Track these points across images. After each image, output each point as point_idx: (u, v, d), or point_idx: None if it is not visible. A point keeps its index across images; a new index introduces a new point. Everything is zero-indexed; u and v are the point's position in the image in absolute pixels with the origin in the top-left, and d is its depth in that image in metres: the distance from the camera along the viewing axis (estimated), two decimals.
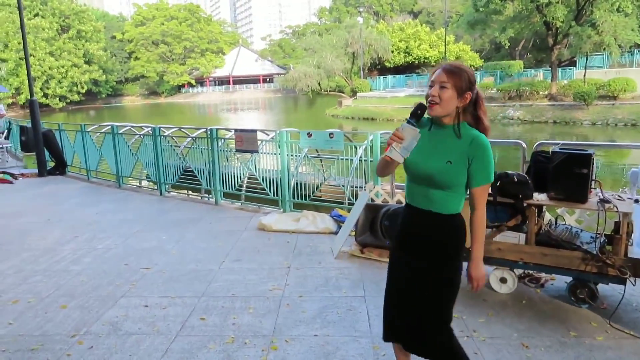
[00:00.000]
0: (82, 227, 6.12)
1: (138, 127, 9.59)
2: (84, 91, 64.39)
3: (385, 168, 2.15)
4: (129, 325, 3.44)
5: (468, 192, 2.11)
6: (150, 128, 8.33)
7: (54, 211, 7.07)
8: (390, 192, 5.27)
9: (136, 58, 74.57)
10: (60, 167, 10.46)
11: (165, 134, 8.07)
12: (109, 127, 9.10)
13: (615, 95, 24.72)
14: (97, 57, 65.87)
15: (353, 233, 4.93)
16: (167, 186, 8.15)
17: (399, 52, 49.69)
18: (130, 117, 43.35)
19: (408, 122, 2.00)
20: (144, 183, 9.10)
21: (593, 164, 3.41)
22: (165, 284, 4.17)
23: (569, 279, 3.58)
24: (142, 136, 8.52)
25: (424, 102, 2.06)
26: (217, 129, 7.28)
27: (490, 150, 2.05)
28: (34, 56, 55.11)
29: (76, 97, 63.39)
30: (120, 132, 8.91)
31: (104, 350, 3.10)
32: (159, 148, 7.97)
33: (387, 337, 2.31)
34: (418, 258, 2.14)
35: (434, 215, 2.09)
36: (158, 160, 8.01)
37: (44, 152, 10.31)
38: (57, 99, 61.24)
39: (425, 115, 2.08)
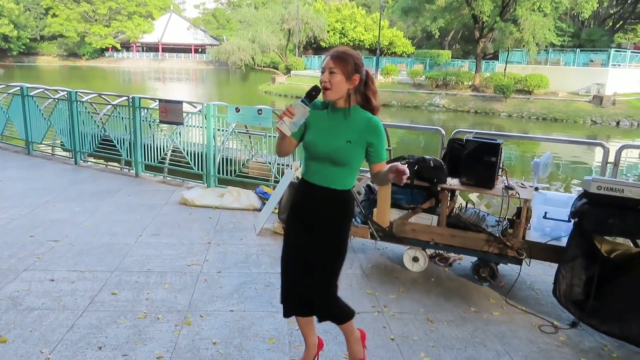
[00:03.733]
0: None
1: (52, 90, 8.90)
2: None
3: (281, 146, 2.29)
4: (31, 299, 3.25)
5: (370, 169, 2.29)
6: (65, 92, 7.76)
7: None
8: None
9: (54, 15, 68.66)
10: None
11: (83, 99, 7.57)
12: (18, 87, 8.37)
13: (530, 90, 26.48)
14: (8, 10, 60.00)
15: (276, 210, 4.94)
16: (83, 155, 7.69)
17: (334, 33, 49.77)
18: (45, 79, 40.17)
19: (302, 100, 2.15)
20: (58, 151, 8.51)
21: (501, 153, 3.65)
22: (75, 258, 3.96)
23: (474, 258, 3.84)
24: (56, 100, 7.94)
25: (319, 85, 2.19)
26: (140, 98, 6.94)
27: (384, 131, 2.24)
28: None
29: None
30: (31, 94, 8.23)
31: (1, 326, 2.91)
32: (75, 114, 7.47)
33: (287, 313, 2.45)
34: (312, 231, 2.29)
35: (330, 191, 2.24)
36: (74, 127, 7.52)
37: None
38: None
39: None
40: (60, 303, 3.22)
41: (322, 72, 2.19)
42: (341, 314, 2.44)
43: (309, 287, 2.35)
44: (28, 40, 67.56)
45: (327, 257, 2.31)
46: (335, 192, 2.25)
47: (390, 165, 2.09)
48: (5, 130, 8.90)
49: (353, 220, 4.03)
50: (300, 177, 2.38)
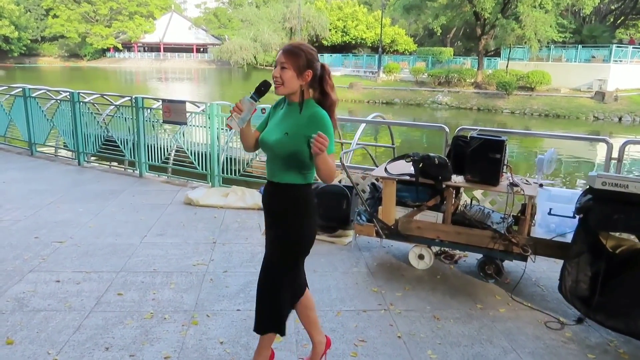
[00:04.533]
0: None
1: (54, 91, 8.91)
2: None
3: (243, 141, 2.34)
4: (37, 301, 3.26)
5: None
6: (68, 93, 7.78)
7: None
8: None
9: (55, 16, 68.66)
10: None
11: (86, 100, 7.58)
12: (21, 89, 8.39)
13: (532, 86, 26.42)
14: (8, 11, 60.03)
15: None
16: (86, 156, 7.70)
17: (336, 31, 49.70)
18: (46, 80, 40.20)
19: (251, 96, 2.16)
20: (61, 152, 8.53)
21: (505, 150, 3.64)
22: (80, 259, 3.97)
23: (480, 256, 3.83)
24: (59, 101, 7.95)
25: (271, 81, 2.18)
26: (144, 98, 6.94)
27: (328, 123, 2.14)
28: None
29: None
30: (33, 95, 8.25)
31: (7, 328, 2.92)
32: (77, 115, 7.48)
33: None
34: (270, 227, 2.35)
35: (281, 186, 2.23)
36: (77, 128, 7.53)
37: None
38: None
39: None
40: (67, 304, 3.23)
41: (274, 67, 2.18)
42: (262, 322, 2.36)
43: (257, 294, 2.37)
44: (29, 42, 67.63)
45: (276, 252, 2.31)
46: (281, 186, 2.22)
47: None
48: (7, 132, 8.92)
49: (358, 218, 4.05)
50: None
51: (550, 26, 26.74)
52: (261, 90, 2.17)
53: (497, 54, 33.63)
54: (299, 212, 2.26)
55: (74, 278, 3.61)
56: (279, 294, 2.33)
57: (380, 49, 35.81)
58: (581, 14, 35.73)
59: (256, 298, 2.38)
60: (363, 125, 6.40)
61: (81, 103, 7.48)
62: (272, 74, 2.17)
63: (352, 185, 4.45)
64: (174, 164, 6.97)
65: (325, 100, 2.21)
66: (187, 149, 6.62)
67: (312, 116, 2.15)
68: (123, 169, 7.50)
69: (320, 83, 2.20)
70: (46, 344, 2.77)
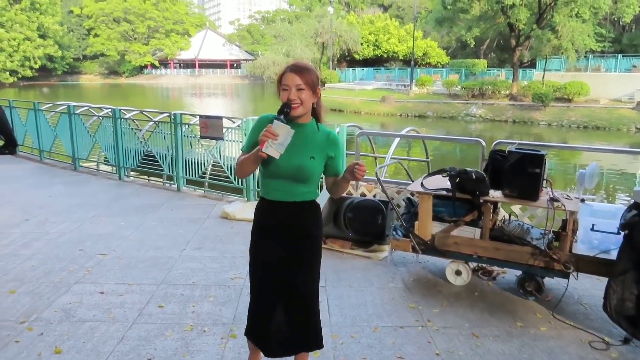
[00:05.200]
0: (33, 209, 5.91)
1: (97, 107, 9.28)
2: (37, 66, 61.57)
3: (248, 167, 2.17)
4: (82, 312, 3.37)
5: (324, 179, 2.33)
6: (109, 109, 8.09)
7: (2, 192, 6.79)
8: (355, 185, 5.35)
9: (96, 35, 71.70)
10: (10, 147, 10.00)
11: (126, 116, 7.86)
12: (65, 106, 8.77)
13: (570, 98, 25.75)
14: (53, 32, 62.97)
15: None
16: (126, 170, 7.96)
17: (368, 45, 49.94)
18: (87, 97, 41.81)
19: (277, 119, 2.05)
20: (102, 166, 8.84)
21: (545, 164, 3.57)
22: (122, 271, 4.10)
23: (519, 272, 3.75)
24: (101, 118, 8.27)
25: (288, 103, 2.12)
26: (182, 114, 7.15)
27: (341, 144, 2.25)
28: None
29: (28, 73, 60.57)
30: (77, 112, 8.61)
31: (55, 337, 3.03)
32: (118, 131, 7.75)
33: (252, 336, 2.36)
34: (285, 246, 2.23)
35: (296, 204, 2.21)
36: (118, 143, 7.80)
37: None
38: (8, 73, 58.34)
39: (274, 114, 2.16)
40: (110, 315, 3.33)
41: (284, 90, 2.11)
42: (321, 337, 2.33)
43: (293, 315, 2.25)
44: (71, 60, 70.65)
45: (308, 271, 2.26)
46: (301, 204, 2.22)
47: (349, 164, 2.09)
48: (53, 147, 9.32)
49: (394, 233, 4.04)
50: (262, 197, 2.28)
51: (588, 35, 26.11)
52: (285, 111, 2.08)
53: (532, 65, 33.03)
54: (318, 224, 2.31)
55: (117, 290, 3.73)
56: (318, 309, 2.34)
57: (412, 62, 35.72)
58: (620, 23, 34.83)
59: (293, 322, 2.26)
60: (397, 139, 6.40)
61: (122, 119, 7.76)
62: (285, 97, 2.10)
63: (387, 199, 4.45)
64: (210, 178, 7.12)
65: (318, 114, 2.25)
66: (224, 164, 6.76)
67: (331, 136, 2.23)
68: (161, 183, 7.71)
69: (318, 100, 2.22)
70: (92, 354, 2.86)
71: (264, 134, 2.01)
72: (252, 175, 6.38)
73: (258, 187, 6.44)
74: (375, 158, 7.17)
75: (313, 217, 2.27)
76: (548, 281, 3.79)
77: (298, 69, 2.11)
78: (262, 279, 2.28)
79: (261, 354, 2.42)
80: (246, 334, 2.39)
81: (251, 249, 2.33)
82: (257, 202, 2.35)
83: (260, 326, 2.30)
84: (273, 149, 2.03)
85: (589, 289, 3.85)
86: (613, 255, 3.31)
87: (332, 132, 2.25)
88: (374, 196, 5.23)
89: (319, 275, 2.33)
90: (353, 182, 5.29)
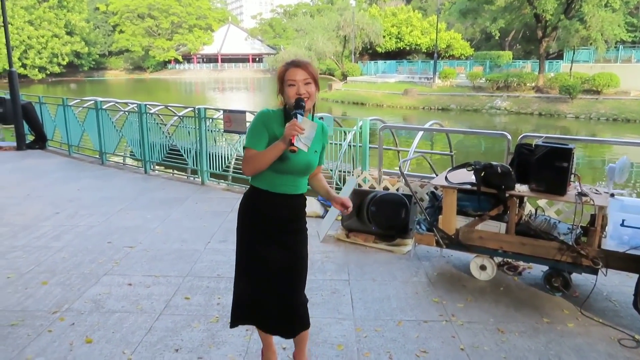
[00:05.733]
0: (62, 203, 6.07)
1: (123, 103, 9.46)
2: (64, 63, 62.89)
3: (267, 162, 2.13)
4: (112, 303, 3.46)
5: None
6: (135, 105, 8.22)
7: (33, 186, 6.98)
8: (378, 178, 5.33)
9: (121, 31, 72.87)
10: (40, 141, 10.28)
11: (151, 111, 7.98)
12: (92, 102, 8.96)
13: (599, 90, 25.08)
14: (79, 28, 64.20)
15: (339, 218, 4.98)
16: (152, 164, 8.09)
17: (390, 38, 49.48)
18: (113, 92, 42.56)
19: (300, 113, 2.08)
20: (128, 160, 9.01)
21: (573, 158, 3.50)
22: (149, 263, 4.18)
23: (545, 267, 3.69)
24: (127, 113, 8.42)
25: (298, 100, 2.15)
26: (205, 109, 7.23)
27: None
28: (12, 24, 53.23)
29: (56, 69, 61.93)
30: (104, 107, 8.78)
31: (86, 327, 3.12)
32: (144, 125, 7.88)
33: (238, 321, 2.44)
34: (284, 239, 2.29)
35: (300, 197, 2.32)
36: (143, 137, 7.94)
37: (23, 125, 10.11)
38: (36, 69, 59.76)
39: (274, 109, 2.25)
40: (138, 306, 3.41)
41: (291, 85, 2.13)
42: (307, 319, 2.44)
43: (288, 299, 2.32)
44: (97, 56, 71.94)
45: (302, 259, 2.35)
46: (300, 197, 2.33)
47: (336, 197, 2.34)
48: (81, 142, 9.53)
49: (417, 227, 4.03)
50: (261, 189, 2.26)
51: (619, 26, 25.37)
52: (302, 105, 2.11)
53: (559, 56, 32.26)
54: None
55: (145, 282, 3.81)
56: (304, 290, 2.43)
57: (435, 54, 35.27)
58: None
59: (287, 304, 2.33)
60: (420, 132, 6.34)
61: (147, 114, 7.88)
62: (292, 93, 2.13)
63: (410, 193, 4.42)
64: (234, 172, 7.19)
65: (313, 107, 2.29)
66: None
67: (324, 128, 2.35)
68: (186, 177, 7.82)
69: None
70: (121, 344, 2.94)
71: (293, 129, 2.00)
72: None
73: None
74: (399, 152, 7.12)
75: (304, 210, 2.40)
76: (575, 277, 3.72)
77: (302, 64, 2.16)
78: (256, 269, 2.31)
79: (273, 347, 2.57)
80: (235, 322, 2.43)
81: (243, 236, 2.33)
82: (245, 194, 2.35)
83: (250, 307, 2.36)
84: (302, 143, 2.06)
85: (619, 285, 3.76)
86: None
87: (323, 123, 2.35)
88: (397, 190, 5.20)
89: (307, 261, 2.40)
90: (376, 176, 5.28)
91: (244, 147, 2.22)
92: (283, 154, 2.09)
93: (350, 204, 2.31)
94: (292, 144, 2.04)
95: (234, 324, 2.43)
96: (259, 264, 2.30)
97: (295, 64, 2.16)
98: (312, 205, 5.65)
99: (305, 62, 2.19)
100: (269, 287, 2.30)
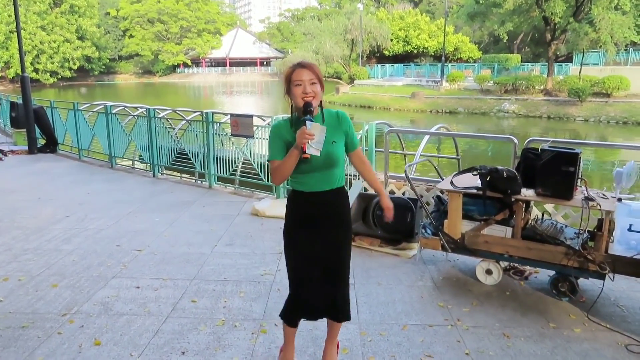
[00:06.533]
0: (73, 206, 6.14)
1: (132, 107, 9.55)
2: (75, 67, 63.68)
3: (288, 170, 2.30)
4: (120, 305, 3.50)
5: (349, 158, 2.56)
6: (144, 109, 8.31)
7: (44, 189, 7.07)
8: (384, 182, 5.34)
9: (131, 36, 73.63)
10: (51, 145, 10.42)
11: (160, 115, 8.06)
12: (102, 106, 9.05)
13: (609, 92, 24.89)
14: (90, 33, 64.99)
15: None
16: (160, 168, 8.16)
17: (398, 41, 49.46)
18: (123, 96, 42.93)
19: (308, 119, 2.20)
20: (137, 164, 9.10)
21: (580, 162, 3.49)
22: (157, 266, 4.22)
23: (552, 272, 3.68)
24: (136, 117, 8.50)
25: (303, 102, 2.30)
26: (213, 113, 7.29)
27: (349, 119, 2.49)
28: (24, 29, 54.01)
29: (68, 73, 62.70)
30: (113, 112, 8.88)
31: (95, 330, 3.16)
32: (153, 129, 7.96)
33: (296, 318, 2.58)
34: (325, 235, 2.43)
35: (335, 191, 2.42)
36: (152, 141, 8.01)
37: (35, 129, 10.25)
38: (48, 74, 60.55)
39: (284, 120, 2.42)
40: (146, 309, 3.44)
41: (298, 85, 2.28)
42: (347, 313, 2.58)
43: (331, 293, 2.48)
44: (108, 60, 72.69)
45: (342, 254, 2.47)
46: (339, 190, 2.43)
47: (385, 199, 2.51)
48: (91, 146, 9.64)
49: (423, 231, 4.03)
50: (297, 190, 2.41)
51: (629, 28, 25.16)
52: (310, 112, 2.25)
53: (568, 59, 32.06)
54: (349, 210, 2.58)
55: (152, 285, 3.85)
56: (349, 285, 2.59)
57: (443, 58, 35.22)
58: None
59: (330, 299, 2.48)
60: (427, 136, 6.35)
61: (156, 118, 7.96)
62: (299, 92, 2.27)
63: (416, 197, 4.43)
64: (241, 176, 7.24)
65: (320, 104, 2.41)
66: (254, 161, 6.85)
67: (340, 115, 2.44)
68: (193, 181, 7.87)
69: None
70: (129, 346, 2.98)
71: (303, 137, 2.16)
72: None
73: (287, 184, 6.51)
74: (405, 155, 7.13)
75: (346, 203, 2.49)
76: (582, 282, 3.71)
77: (308, 65, 2.33)
78: (303, 267, 2.45)
79: (294, 345, 2.71)
80: (283, 316, 2.58)
81: (289, 241, 2.48)
82: (287, 197, 2.49)
83: (302, 306, 2.51)
84: (313, 149, 2.21)
85: (626, 290, 3.74)
86: None
87: (338, 111, 2.46)
88: (403, 194, 5.21)
89: (350, 254, 2.53)
90: (382, 180, 5.29)
91: (268, 161, 2.43)
92: (303, 157, 2.24)
93: (391, 213, 2.50)
94: (304, 152, 2.19)
95: (285, 316, 2.58)
96: (304, 262, 2.44)
97: (301, 65, 2.32)
98: None
99: (311, 63, 2.34)
100: (314, 284, 2.45)
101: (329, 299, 2.48)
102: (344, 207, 2.49)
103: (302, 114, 2.26)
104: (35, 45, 58.17)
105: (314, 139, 2.17)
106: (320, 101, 2.36)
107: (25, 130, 10.47)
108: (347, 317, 2.57)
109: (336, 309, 2.51)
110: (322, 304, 2.49)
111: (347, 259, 2.51)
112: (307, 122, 2.17)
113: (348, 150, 2.48)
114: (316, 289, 2.45)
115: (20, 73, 10.20)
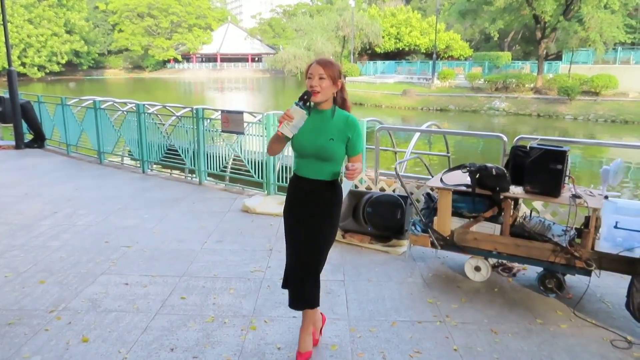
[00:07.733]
0: (61, 202, 6.08)
1: (121, 102, 9.47)
2: (64, 61, 62.81)
3: (275, 145, 2.58)
4: (108, 302, 3.48)
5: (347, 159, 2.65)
6: (133, 104, 8.23)
7: (31, 185, 7.00)
8: (374, 179, 5.35)
9: (120, 30, 72.76)
10: (39, 140, 10.29)
11: (150, 111, 8.00)
12: (91, 101, 8.96)
13: (597, 91, 25.14)
14: (79, 27, 64.13)
15: None
16: (150, 164, 8.10)
17: (389, 38, 49.46)
18: (112, 92, 42.50)
19: (296, 104, 2.41)
20: (126, 160, 9.02)
21: (568, 160, 3.53)
22: (146, 263, 4.20)
23: (540, 269, 3.72)
24: (125, 112, 8.43)
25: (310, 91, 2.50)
26: (203, 109, 7.25)
27: (360, 126, 2.61)
28: (11, 22, 53.13)
29: (56, 68, 61.84)
30: (102, 107, 8.80)
31: (83, 326, 3.14)
32: (142, 125, 7.90)
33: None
34: (307, 218, 2.61)
35: (319, 182, 2.58)
36: (141, 137, 7.95)
37: (22, 124, 10.12)
38: (36, 68, 59.71)
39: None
40: (135, 306, 3.43)
41: (309, 78, 2.48)
42: (316, 297, 2.72)
43: (302, 278, 2.66)
44: (97, 55, 71.82)
45: (327, 235, 2.63)
46: (329, 184, 2.59)
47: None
48: (79, 142, 9.54)
49: (413, 228, 4.05)
50: (294, 173, 2.65)
51: (617, 27, 25.41)
52: (304, 98, 2.44)
53: (558, 57, 32.29)
54: (337, 202, 2.68)
55: (141, 281, 3.83)
56: (319, 273, 2.73)
57: (434, 55, 35.30)
58: None
59: (301, 277, 2.66)
60: (417, 134, 6.37)
61: (146, 114, 7.90)
62: (308, 84, 2.48)
63: (406, 194, 4.45)
64: (231, 172, 7.21)
65: (344, 105, 2.60)
66: (244, 158, 6.83)
67: (349, 119, 2.56)
68: (183, 177, 7.84)
69: (341, 92, 2.59)
70: (117, 343, 2.96)
71: (282, 116, 2.42)
72: (272, 169, 6.44)
73: (278, 181, 6.50)
74: (395, 153, 7.15)
75: (334, 196, 2.63)
76: (569, 279, 3.75)
77: (323, 62, 2.50)
78: (290, 242, 2.69)
79: (310, 328, 2.84)
80: (283, 286, 2.84)
81: (285, 226, 2.72)
82: (281, 192, 2.65)
83: (287, 279, 2.77)
84: (287, 129, 2.41)
85: (612, 287, 3.79)
86: (637, 253, 3.27)
87: (350, 116, 2.58)
88: (394, 191, 5.23)
89: (328, 250, 2.69)
90: (372, 177, 5.30)
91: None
92: (294, 138, 2.49)
93: (351, 165, 2.47)
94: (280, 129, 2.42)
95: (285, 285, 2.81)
96: (289, 238, 2.70)
97: (317, 61, 2.52)
98: None
99: (328, 61, 2.52)
100: (293, 261, 2.68)
101: (299, 282, 2.65)
102: (332, 201, 2.62)
103: (299, 98, 2.44)
104: (23, 39, 57.29)
105: (292, 122, 2.38)
106: (341, 100, 2.57)
107: (12, 125, 10.32)
108: (312, 304, 2.71)
109: (304, 292, 2.66)
110: (294, 284, 2.69)
111: (323, 253, 2.65)
112: (294, 105, 2.39)
113: (349, 154, 2.60)
114: (293, 269, 2.68)
115: (7, 67, 10.03)
